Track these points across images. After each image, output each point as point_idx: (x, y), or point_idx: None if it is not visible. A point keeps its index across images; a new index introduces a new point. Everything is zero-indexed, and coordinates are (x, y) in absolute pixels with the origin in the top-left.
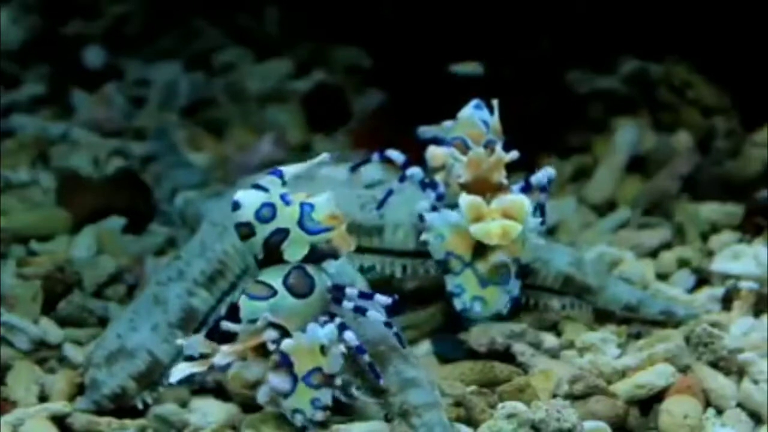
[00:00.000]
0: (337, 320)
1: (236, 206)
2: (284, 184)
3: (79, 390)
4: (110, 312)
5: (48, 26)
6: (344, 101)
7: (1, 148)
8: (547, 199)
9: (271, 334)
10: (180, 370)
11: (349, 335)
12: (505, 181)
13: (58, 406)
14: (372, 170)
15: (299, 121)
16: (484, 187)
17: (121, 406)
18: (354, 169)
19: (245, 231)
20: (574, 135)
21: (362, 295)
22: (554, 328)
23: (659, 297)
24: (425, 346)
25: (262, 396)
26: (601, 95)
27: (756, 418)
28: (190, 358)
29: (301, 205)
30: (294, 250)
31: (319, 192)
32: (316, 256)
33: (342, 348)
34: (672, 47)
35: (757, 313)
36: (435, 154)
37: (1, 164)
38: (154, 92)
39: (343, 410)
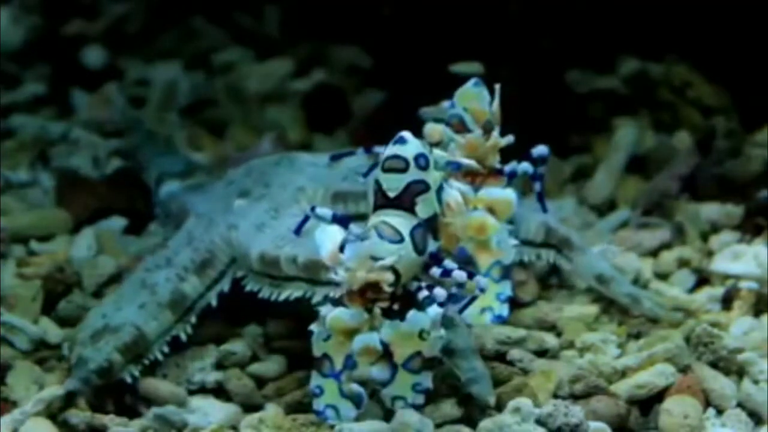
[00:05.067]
0: (437, 304)
1: (401, 141)
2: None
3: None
4: None
5: (48, 26)
6: (344, 101)
7: (1, 148)
8: (543, 188)
9: (390, 277)
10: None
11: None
12: (498, 166)
13: (51, 390)
14: (354, 160)
15: (299, 121)
16: (477, 170)
17: (109, 382)
18: (335, 158)
19: (398, 165)
20: (574, 135)
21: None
22: (554, 328)
23: (655, 295)
24: None
25: (357, 343)
26: (601, 95)
27: (756, 418)
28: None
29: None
30: (425, 208)
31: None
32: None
33: (442, 332)
34: (672, 47)
35: (757, 313)
36: (432, 130)
37: (1, 164)
38: (154, 92)
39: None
